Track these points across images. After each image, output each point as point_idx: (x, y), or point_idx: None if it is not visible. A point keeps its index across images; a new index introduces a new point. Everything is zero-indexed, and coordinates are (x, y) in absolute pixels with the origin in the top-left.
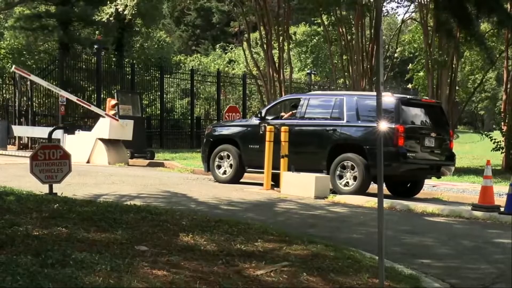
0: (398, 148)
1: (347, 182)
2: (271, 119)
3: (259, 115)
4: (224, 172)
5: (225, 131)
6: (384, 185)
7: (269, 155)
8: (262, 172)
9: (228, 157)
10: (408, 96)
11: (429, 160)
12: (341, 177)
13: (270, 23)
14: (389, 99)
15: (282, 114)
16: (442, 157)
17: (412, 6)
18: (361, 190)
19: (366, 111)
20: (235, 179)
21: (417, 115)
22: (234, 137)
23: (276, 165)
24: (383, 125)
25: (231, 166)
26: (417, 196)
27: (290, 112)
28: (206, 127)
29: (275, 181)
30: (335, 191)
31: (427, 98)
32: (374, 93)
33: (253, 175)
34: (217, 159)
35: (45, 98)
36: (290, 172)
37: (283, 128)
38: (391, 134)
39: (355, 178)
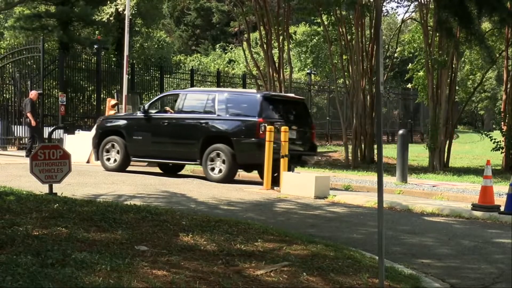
0: (261, 140)
1: (217, 170)
2: (154, 113)
3: (142, 109)
4: (113, 161)
5: (113, 123)
6: (256, 172)
7: (269, 155)
8: (145, 161)
9: (115, 147)
10: (271, 93)
11: (290, 150)
12: (212, 165)
13: (270, 23)
14: (253, 95)
15: (167, 108)
16: (304, 147)
17: (412, 6)
18: (229, 177)
19: (235, 106)
20: (121, 167)
21: (280, 110)
22: (120, 128)
23: (170, 155)
24: (251, 119)
25: (118, 156)
26: (414, 195)
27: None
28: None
29: (169, 170)
30: (207, 178)
31: (291, 95)
32: (243, 90)
33: (251, 174)
34: (105, 149)
35: (45, 98)
36: (290, 172)
37: (283, 128)
38: (254, 126)
39: (224, 167)
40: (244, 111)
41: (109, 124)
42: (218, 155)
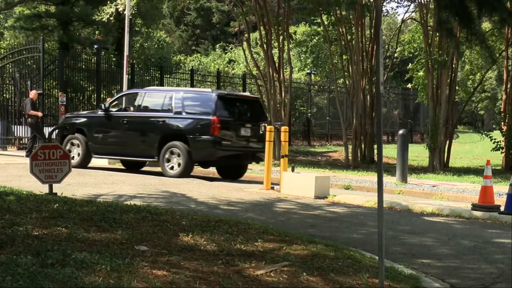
0: (215, 137)
1: (174, 167)
2: (115, 111)
3: (103, 107)
4: (74, 158)
5: (75, 121)
6: (214, 169)
7: (269, 155)
8: (105, 158)
9: (77, 144)
10: (225, 92)
11: (244, 147)
12: (168, 162)
13: (270, 23)
14: (208, 94)
15: (131, 108)
16: (258, 144)
17: (412, 6)
18: (185, 173)
19: (191, 105)
20: (82, 165)
21: (235, 108)
22: (82, 126)
23: (130, 152)
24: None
25: (79, 153)
26: (414, 195)
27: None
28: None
29: (132, 166)
30: (164, 175)
31: (246, 94)
32: (199, 89)
33: (251, 174)
34: (68, 146)
35: (45, 98)
36: (290, 172)
37: (283, 128)
38: (208, 124)
39: (180, 163)
40: (199, 110)
41: (71, 122)
42: (174, 152)
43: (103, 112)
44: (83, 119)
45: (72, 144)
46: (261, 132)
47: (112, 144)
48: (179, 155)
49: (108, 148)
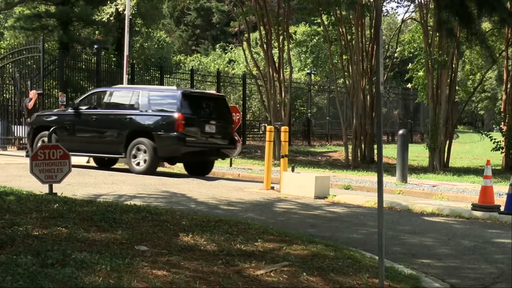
0: (179, 134)
1: (140, 163)
2: (85, 109)
3: (73, 105)
4: None
5: (46, 119)
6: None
7: (269, 154)
8: (75, 156)
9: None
10: (190, 90)
11: (209, 143)
12: (135, 158)
13: (270, 23)
14: (173, 91)
15: (99, 105)
16: (223, 141)
17: (412, 6)
18: (151, 169)
19: (157, 102)
20: None
21: (199, 105)
22: (52, 124)
23: (98, 150)
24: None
25: None
26: (414, 195)
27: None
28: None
29: (104, 164)
30: (131, 171)
31: (211, 91)
32: (164, 87)
33: (252, 174)
34: (39, 144)
35: (45, 98)
36: (290, 172)
37: (283, 128)
38: (173, 121)
39: (146, 159)
40: (165, 107)
41: (42, 120)
42: (141, 148)
43: (73, 110)
44: (54, 117)
45: (43, 142)
46: (227, 129)
47: (82, 141)
48: (145, 152)
49: (77, 146)
